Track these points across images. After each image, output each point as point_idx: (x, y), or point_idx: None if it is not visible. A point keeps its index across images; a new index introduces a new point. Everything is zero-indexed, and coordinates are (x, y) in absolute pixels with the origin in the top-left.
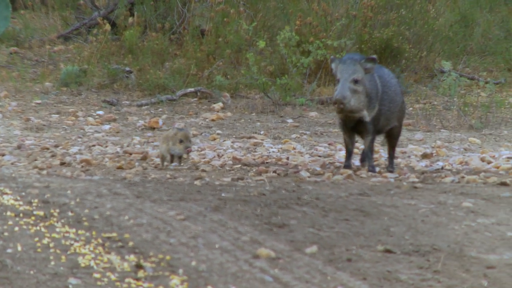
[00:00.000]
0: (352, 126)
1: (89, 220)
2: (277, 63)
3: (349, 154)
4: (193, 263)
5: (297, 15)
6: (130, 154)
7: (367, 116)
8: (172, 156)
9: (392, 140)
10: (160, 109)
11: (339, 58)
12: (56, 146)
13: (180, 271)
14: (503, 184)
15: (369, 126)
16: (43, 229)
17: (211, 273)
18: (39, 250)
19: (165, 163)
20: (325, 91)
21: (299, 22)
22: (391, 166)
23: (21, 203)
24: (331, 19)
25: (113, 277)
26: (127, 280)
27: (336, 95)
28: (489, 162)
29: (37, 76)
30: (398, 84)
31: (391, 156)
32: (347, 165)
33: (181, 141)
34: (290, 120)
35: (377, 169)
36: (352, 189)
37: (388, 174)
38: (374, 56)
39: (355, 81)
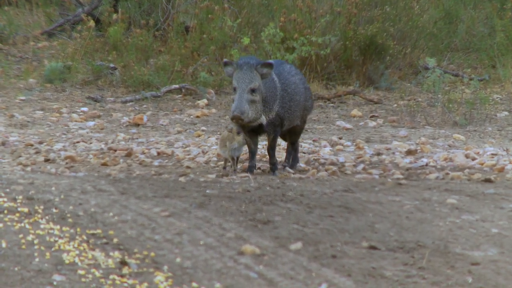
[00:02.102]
0: (251, 129)
1: (73, 216)
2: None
3: (252, 154)
4: (178, 259)
5: (281, 12)
6: (115, 150)
7: (264, 120)
8: (233, 159)
9: (292, 136)
10: (145, 106)
11: (234, 62)
12: (41, 143)
13: (165, 267)
14: (488, 180)
15: (268, 127)
16: (27, 226)
17: (196, 269)
18: (23, 246)
19: (228, 166)
20: (310, 87)
21: (284, 18)
22: (288, 162)
23: (5, 199)
24: (315, 16)
25: (97, 273)
26: (111, 276)
27: (234, 111)
28: (473, 159)
29: (21, 72)
30: (302, 81)
31: (290, 152)
32: (251, 165)
33: (238, 133)
34: None
35: (279, 168)
36: (336, 185)
37: (373, 171)
38: (271, 61)
39: (252, 91)
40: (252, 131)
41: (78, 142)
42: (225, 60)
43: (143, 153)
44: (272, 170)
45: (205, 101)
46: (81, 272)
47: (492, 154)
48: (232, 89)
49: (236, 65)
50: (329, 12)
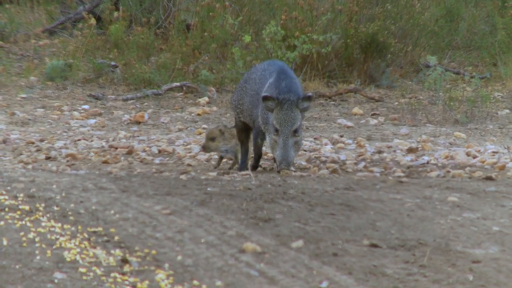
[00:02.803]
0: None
1: (74, 214)
2: (263, 58)
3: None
4: (179, 257)
5: (282, 10)
6: (116, 148)
7: None
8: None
9: None
10: (146, 104)
11: (275, 97)
12: (42, 141)
13: (166, 265)
14: (489, 178)
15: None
16: (28, 224)
17: (197, 267)
18: (24, 244)
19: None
20: (311, 85)
21: (285, 16)
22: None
23: (6, 197)
24: (316, 14)
25: (98, 271)
26: (112, 274)
27: (282, 163)
28: (474, 157)
29: (22, 70)
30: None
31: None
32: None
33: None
34: None
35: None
36: (338, 183)
37: (374, 168)
38: (310, 93)
39: (295, 132)
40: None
41: (79, 140)
42: (264, 94)
43: (144, 151)
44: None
45: (206, 99)
46: (82, 270)
47: (493, 152)
48: (272, 129)
49: (276, 102)
50: (330, 10)
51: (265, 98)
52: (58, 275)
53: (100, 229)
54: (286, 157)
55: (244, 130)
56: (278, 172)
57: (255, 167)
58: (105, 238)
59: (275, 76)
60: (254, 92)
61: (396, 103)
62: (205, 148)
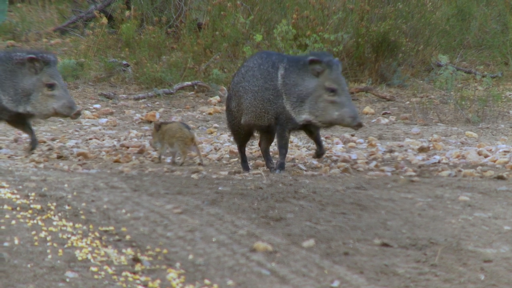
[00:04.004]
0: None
1: (86, 213)
2: None
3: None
4: (190, 256)
5: (294, 9)
6: (127, 147)
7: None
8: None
9: None
10: (157, 103)
11: (326, 59)
12: (53, 140)
13: (177, 264)
14: (500, 178)
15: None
16: (40, 223)
17: (208, 266)
18: (36, 243)
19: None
20: None
21: (296, 15)
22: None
23: (18, 196)
24: (328, 13)
25: (110, 270)
26: (124, 273)
27: (358, 119)
28: (486, 156)
29: None
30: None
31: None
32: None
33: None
34: None
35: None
36: (349, 182)
37: (385, 168)
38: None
39: None
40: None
41: (90, 139)
42: (311, 58)
43: (155, 150)
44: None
45: (217, 98)
46: (93, 269)
47: (505, 151)
48: (327, 90)
49: (326, 64)
50: (342, 9)
51: (313, 62)
52: (69, 274)
53: (111, 228)
54: (356, 110)
55: (249, 134)
56: (358, 127)
57: (283, 164)
58: (117, 237)
59: (287, 57)
60: (259, 87)
61: (408, 102)
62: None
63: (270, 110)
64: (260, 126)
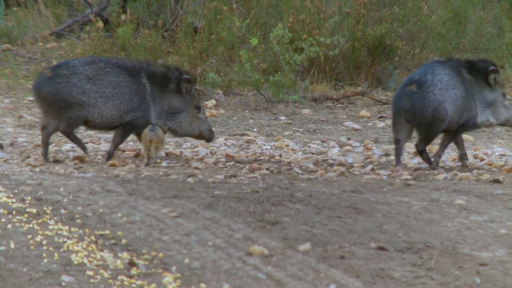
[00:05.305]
0: None
1: (82, 217)
2: (270, 60)
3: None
4: (186, 260)
5: (290, 12)
6: (123, 151)
7: None
8: None
9: None
10: None
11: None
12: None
13: (173, 268)
14: (496, 181)
15: None
16: (36, 227)
17: (204, 270)
18: (32, 247)
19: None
20: (318, 88)
21: (292, 19)
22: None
23: (14, 200)
24: (324, 16)
25: (106, 274)
26: (120, 277)
27: None
28: (482, 159)
29: (30, 73)
30: None
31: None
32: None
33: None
34: (283, 117)
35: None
36: (345, 186)
37: (381, 171)
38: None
39: None
40: None
41: (86, 142)
42: (493, 68)
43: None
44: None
45: (213, 101)
46: (89, 273)
47: (501, 154)
48: (499, 96)
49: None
50: (338, 12)
51: (494, 71)
52: (65, 278)
53: (107, 232)
54: None
55: None
56: None
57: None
58: (113, 241)
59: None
60: (459, 96)
61: None
62: None
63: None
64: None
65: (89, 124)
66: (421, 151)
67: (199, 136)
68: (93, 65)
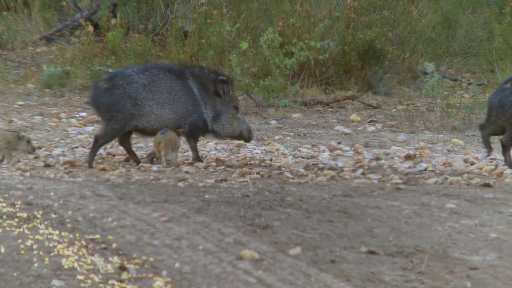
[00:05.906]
0: None
1: (72, 222)
2: (260, 65)
3: None
4: (177, 264)
5: (280, 17)
6: (114, 155)
7: None
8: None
9: None
10: None
11: None
12: (39, 148)
13: (164, 272)
14: (486, 185)
15: None
16: (26, 231)
17: (194, 274)
18: (22, 252)
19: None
20: (308, 92)
21: (282, 23)
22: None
23: (4, 205)
24: (314, 21)
25: (96, 279)
26: (110, 282)
27: None
28: (472, 163)
29: (20, 77)
30: None
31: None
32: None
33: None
34: (273, 122)
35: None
36: (335, 190)
37: (372, 175)
38: None
39: None
40: None
41: (77, 147)
42: None
43: (142, 158)
44: None
45: None
46: (80, 277)
47: (491, 158)
48: None
49: None
50: (328, 17)
51: None
52: (56, 282)
53: (98, 236)
54: None
55: None
56: None
57: None
58: (103, 245)
59: None
60: None
61: (394, 110)
62: None
63: None
64: None
65: (145, 131)
66: (504, 145)
67: (239, 137)
68: (147, 72)
